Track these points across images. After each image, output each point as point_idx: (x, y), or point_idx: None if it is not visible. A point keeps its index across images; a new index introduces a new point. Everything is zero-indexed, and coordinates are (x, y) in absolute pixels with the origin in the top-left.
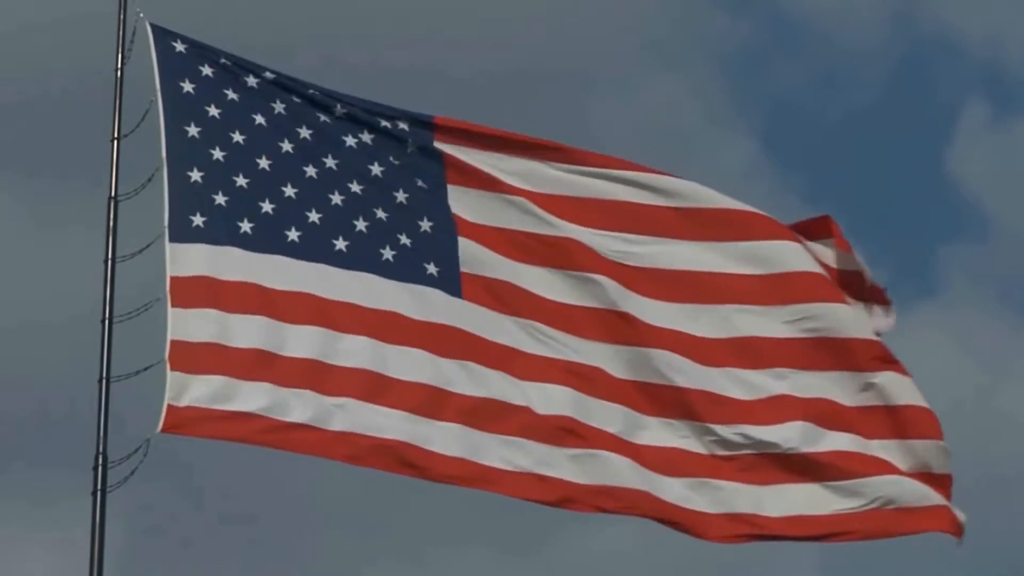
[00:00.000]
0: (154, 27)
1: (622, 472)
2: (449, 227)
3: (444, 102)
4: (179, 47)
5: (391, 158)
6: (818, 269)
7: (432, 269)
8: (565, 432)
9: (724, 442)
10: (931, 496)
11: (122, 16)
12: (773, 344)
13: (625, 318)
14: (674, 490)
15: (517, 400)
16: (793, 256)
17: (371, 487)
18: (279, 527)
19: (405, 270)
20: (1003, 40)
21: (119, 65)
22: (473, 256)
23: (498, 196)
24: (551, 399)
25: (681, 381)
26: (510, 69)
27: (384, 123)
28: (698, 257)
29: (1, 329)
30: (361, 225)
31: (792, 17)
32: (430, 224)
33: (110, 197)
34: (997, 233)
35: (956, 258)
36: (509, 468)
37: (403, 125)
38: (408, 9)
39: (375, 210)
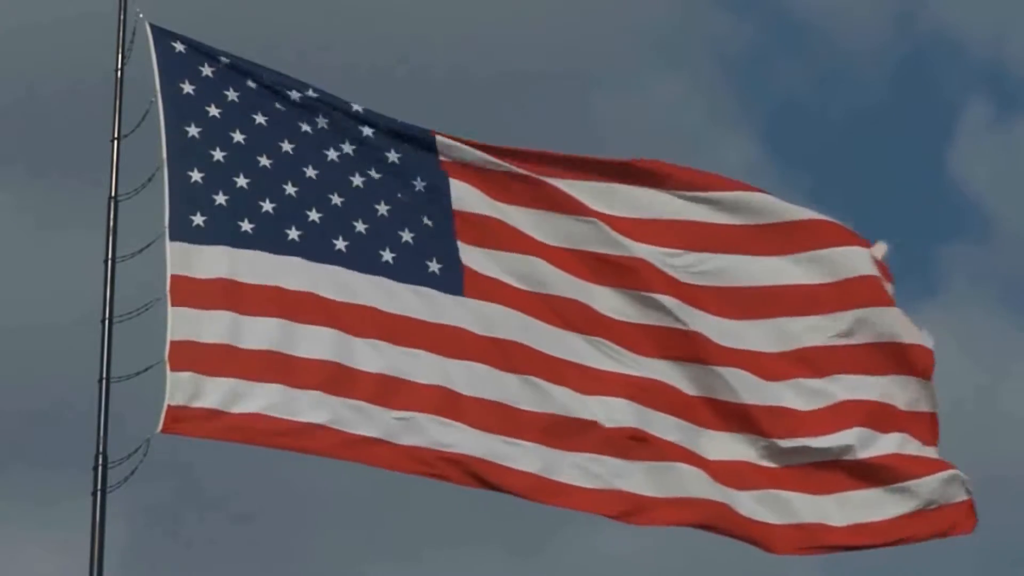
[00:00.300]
0: (154, 27)
1: (697, 484)
2: (448, 227)
3: (446, 102)
4: (179, 47)
5: (390, 158)
6: (877, 273)
7: (434, 267)
8: (637, 443)
9: (786, 453)
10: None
11: (122, 16)
12: (833, 351)
13: (692, 337)
14: (746, 504)
15: (583, 415)
16: (859, 261)
17: (370, 487)
18: (279, 527)
19: (405, 270)
20: (1005, 40)
21: (119, 65)
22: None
23: (572, 218)
24: (614, 412)
25: (747, 397)
26: (512, 69)
27: (383, 124)
28: (768, 271)
29: (1, 329)
30: (360, 226)
31: (794, 17)
32: (429, 223)
33: (110, 197)
34: (998, 233)
35: (957, 258)
36: (583, 484)
37: (403, 128)
38: (409, 10)
39: (375, 209)
